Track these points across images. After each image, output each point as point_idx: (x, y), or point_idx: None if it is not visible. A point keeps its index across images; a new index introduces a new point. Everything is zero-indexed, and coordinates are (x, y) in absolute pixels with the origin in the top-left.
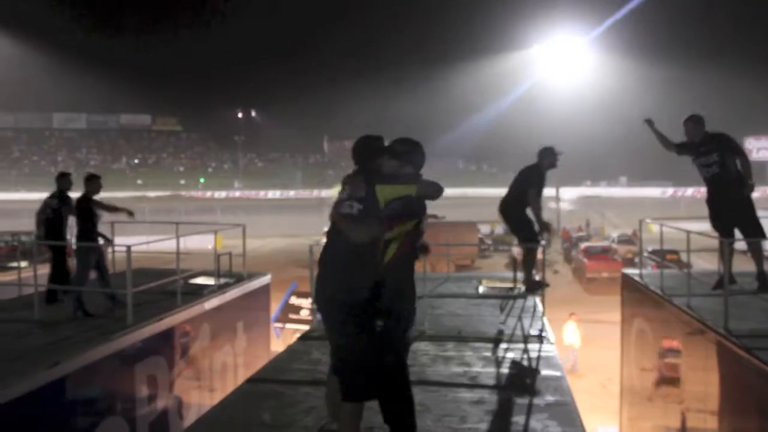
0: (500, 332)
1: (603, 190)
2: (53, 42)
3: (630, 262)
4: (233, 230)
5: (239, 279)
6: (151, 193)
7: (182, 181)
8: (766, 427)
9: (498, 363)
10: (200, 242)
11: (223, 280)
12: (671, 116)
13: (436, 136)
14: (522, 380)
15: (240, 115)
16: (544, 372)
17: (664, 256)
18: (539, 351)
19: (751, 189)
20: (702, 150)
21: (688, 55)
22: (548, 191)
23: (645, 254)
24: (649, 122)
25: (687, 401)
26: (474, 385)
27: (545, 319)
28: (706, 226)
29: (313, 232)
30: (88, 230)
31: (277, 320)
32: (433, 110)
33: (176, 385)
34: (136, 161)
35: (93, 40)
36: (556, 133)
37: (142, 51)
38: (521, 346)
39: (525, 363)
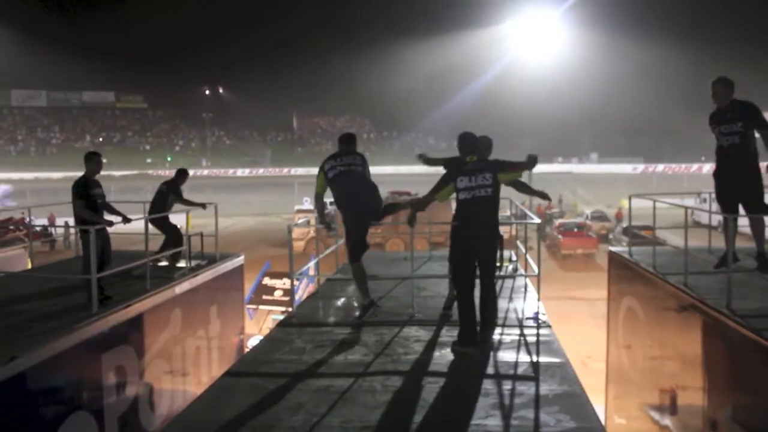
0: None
1: (574, 167)
2: (10, 16)
3: (604, 239)
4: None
5: (211, 261)
6: (117, 172)
7: (149, 160)
8: None
9: (495, 350)
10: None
11: (194, 262)
12: (643, 91)
13: (407, 111)
14: (525, 368)
15: (207, 92)
16: (547, 359)
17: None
18: (537, 336)
19: None
20: (728, 116)
21: (661, 29)
22: None
23: (618, 231)
24: None
25: (682, 380)
26: (474, 374)
27: (541, 303)
28: (684, 202)
29: (283, 211)
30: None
31: (250, 302)
32: (405, 86)
33: (146, 375)
34: (100, 140)
35: (52, 14)
36: (528, 110)
37: (106, 26)
38: (517, 330)
39: (524, 349)
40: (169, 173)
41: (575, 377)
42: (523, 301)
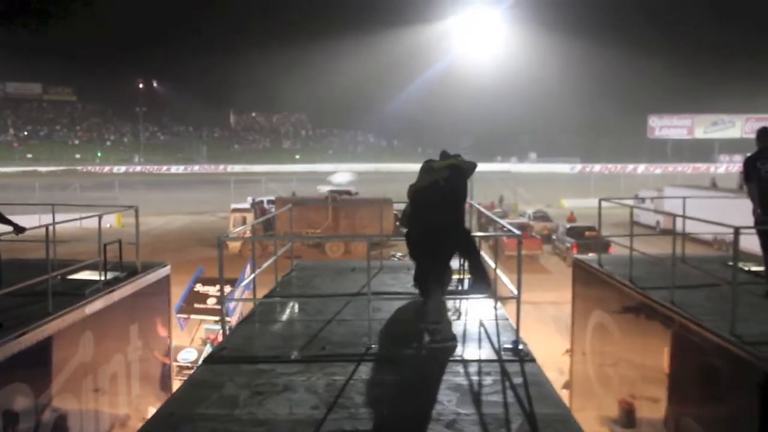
0: (466, 345)
1: (513, 166)
2: None
3: (546, 239)
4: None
5: (132, 272)
6: (43, 168)
7: (78, 155)
8: None
9: (477, 396)
10: (96, 222)
11: (111, 275)
12: (580, 91)
13: (346, 109)
14: (519, 425)
15: (141, 85)
16: (543, 410)
17: (583, 233)
18: (523, 374)
19: None
20: None
21: (599, 30)
22: None
23: (562, 232)
24: None
25: (679, 406)
26: None
27: (521, 336)
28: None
29: (219, 209)
30: None
31: (181, 310)
32: (344, 83)
33: (46, 415)
34: (25, 133)
35: None
36: (468, 109)
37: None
38: (497, 366)
39: (511, 394)
40: (99, 169)
41: None
42: (496, 326)
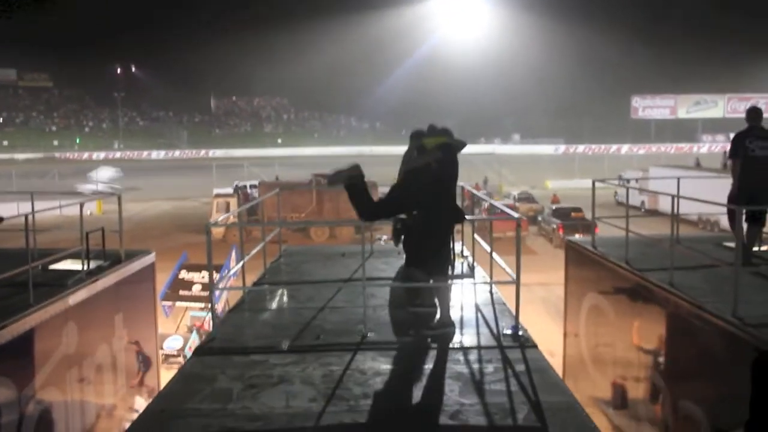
0: (464, 332)
1: (497, 148)
2: None
3: (532, 221)
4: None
5: (115, 261)
6: (20, 155)
7: (55, 142)
8: None
9: (479, 385)
10: (77, 209)
11: (93, 264)
12: (563, 72)
13: (329, 92)
14: (525, 415)
15: (119, 70)
16: (548, 398)
17: (569, 214)
18: (525, 361)
19: None
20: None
21: (581, 12)
22: None
23: (548, 213)
24: None
25: (675, 388)
26: (461, 426)
27: (520, 321)
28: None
29: (201, 195)
30: None
31: (166, 297)
32: (326, 66)
33: (30, 408)
34: (0, 120)
35: None
36: (451, 91)
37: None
38: (497, 353)
39: (514, 382)
40: (78, 156)
41: (595, 428)
42: (493, 311)
